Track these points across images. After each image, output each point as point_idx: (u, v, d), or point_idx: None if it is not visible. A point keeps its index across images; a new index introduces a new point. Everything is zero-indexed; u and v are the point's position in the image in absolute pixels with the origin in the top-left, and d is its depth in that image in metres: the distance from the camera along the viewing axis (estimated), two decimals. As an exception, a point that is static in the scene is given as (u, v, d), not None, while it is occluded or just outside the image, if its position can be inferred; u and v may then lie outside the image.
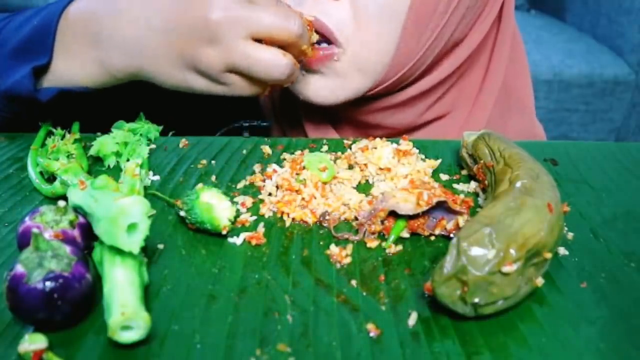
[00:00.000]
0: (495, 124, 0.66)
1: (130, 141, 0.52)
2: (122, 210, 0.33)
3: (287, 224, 0.44)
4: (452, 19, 0.56)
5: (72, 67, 0.51)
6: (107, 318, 0.32)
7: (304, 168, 0.48)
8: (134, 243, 0.33)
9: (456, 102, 0.65)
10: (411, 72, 0.59)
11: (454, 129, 0.65)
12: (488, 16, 0.61)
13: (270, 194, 0.47)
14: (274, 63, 0.47)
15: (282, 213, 0.45)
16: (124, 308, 0.31)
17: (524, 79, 0.69)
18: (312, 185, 0.46)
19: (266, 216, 0.45)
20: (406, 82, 0.60)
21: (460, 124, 0.65)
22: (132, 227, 0.34)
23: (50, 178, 0.47)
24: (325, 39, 0.55)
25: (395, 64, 0.57)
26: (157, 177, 0.50)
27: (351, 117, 0.64)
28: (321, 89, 0.57)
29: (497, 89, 0.65)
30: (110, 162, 0.51)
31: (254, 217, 0.44)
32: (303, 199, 0.45)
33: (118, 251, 0.34)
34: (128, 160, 0.51)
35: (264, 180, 0.49)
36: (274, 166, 0.49)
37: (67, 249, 0.33)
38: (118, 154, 0.51)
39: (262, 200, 0.46)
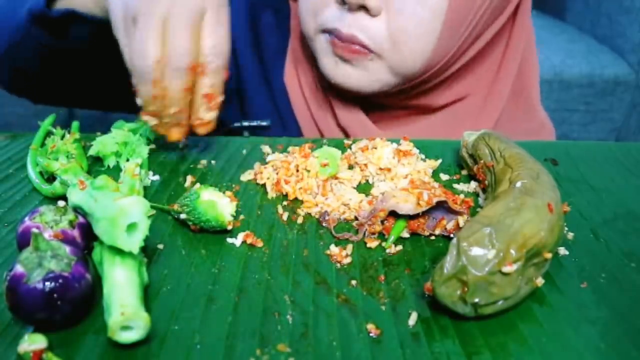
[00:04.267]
0: (507, 117, 0.69)
1: (130, 141, 0.52)
2: (122, 210, 0.33)
3: (285, 218, 0.44)
4: (482, 17, 0.59)
5: None
6: (107, 318, 0.32)
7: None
8: (133, 243, 0.33)
9: (474, 86, 0.68)
10: (441, 69, 0.62)
11: (473, 110, 0.68)
12: (507, 9, 0.63)
13: (268, 178, 0.48)
14: (139, 52, 0.44)
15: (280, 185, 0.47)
16: (124, 308, 0.31)
17: (534, 76, 0.72)
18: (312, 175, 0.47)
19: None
20: (434, 79, 0.63)
21: (478, 108, 0.68)
22: (132, 227, 0.34)
23: (50, 178, 0.47)
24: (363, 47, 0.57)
25: (428, 65, 0.60)
26: (157, 177, 0.50)
27: (377, 100, 0.66)
28: (350, 76, 0.60)
29: (512, 79, 0.67)
30: (110, 162, 0.51)
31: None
32: (297, 169, 0.47)
33: (118, 251, 0.34)
34: (128, 160, 0.51)
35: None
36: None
37: (67, 249, 0.33)
38: (118, 154, 0.51)
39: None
